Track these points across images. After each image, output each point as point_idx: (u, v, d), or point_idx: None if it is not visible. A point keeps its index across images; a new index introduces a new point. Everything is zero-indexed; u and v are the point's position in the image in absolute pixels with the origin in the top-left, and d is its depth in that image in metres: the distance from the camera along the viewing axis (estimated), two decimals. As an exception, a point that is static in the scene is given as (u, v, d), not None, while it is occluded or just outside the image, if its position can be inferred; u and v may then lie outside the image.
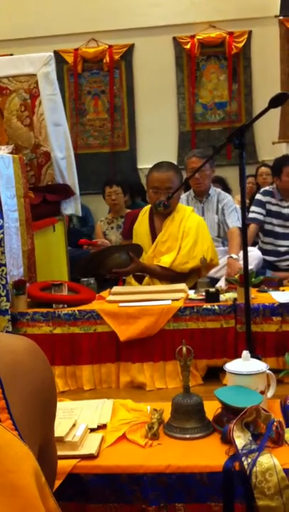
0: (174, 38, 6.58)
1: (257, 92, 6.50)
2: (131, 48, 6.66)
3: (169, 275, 3.14)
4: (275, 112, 6.01)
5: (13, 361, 0.75)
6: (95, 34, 6.62)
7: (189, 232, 3.20)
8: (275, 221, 4.25)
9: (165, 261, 3.15)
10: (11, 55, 5.29)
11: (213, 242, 3.36)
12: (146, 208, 3.43)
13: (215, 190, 4.13)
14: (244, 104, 6.59)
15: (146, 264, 3.18)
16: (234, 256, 3.64)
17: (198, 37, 6.53)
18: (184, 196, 4.07)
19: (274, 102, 2.16)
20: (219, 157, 6.06)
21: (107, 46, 6.65)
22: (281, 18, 6.29)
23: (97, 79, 6.76)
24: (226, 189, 5.00)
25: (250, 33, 6.51)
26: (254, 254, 3.81)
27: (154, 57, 6.57)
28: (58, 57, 6.32)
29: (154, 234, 3.29)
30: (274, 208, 4.26)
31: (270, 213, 4.26)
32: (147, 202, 6.02)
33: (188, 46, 6.55)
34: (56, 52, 6.11)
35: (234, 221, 3.95)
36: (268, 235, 4.28)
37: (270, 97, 2.16)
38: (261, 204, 4.28)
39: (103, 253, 3.16)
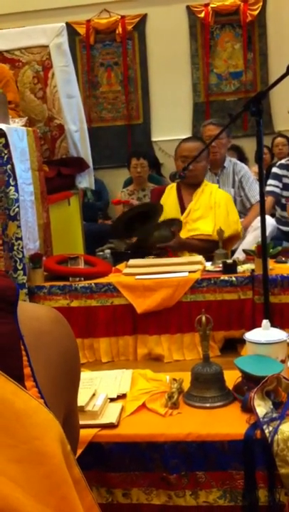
0: (188, 7, 6.43)
1: (273, 60, 6.34)
2: (144, 18, 6.53)
3: (208, 247, 3.13)
4: (292, 82, 5.87)
5: (38, 329, 0.75)
6: (107, 5, 6.50)
7: (220, 204, 3.29)
8: None
9: (205, 229, 3.20)
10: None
11: None
12: (173, 183, 3.53)
13: (230, 161, 4.06)
14: (260, 73, 6.44)
15: (186, 240, 3.21)
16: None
17: (212, 5, 6.37)
18: None
19: (292, 68, 2.12)
20: (235, 128, 5.97)
21: (119, 17, 6.53)
22: (297, -17, 6.13)
23: (109, 50, 6.66)
24: (242, 158, 4.92)
25: (264, 0, 6.35)
26: (267, 221, 3.76)
27: (167, 27, 6.44)
28: (70, 29, 6.20)
29: (182, 205, 3.36)
30: None
31: (286, 187, 4.20)
32: (162, 175, 6.01)
33: (202, 15, 6.41)
34: (68, 24, 5.99)
35: (256, 195, 3.89)
36: (286, 209, 4.22)
37: (286, 65, 2.12)
38: (278, 177, 4.23)
39: (145, 230, 3.24)
